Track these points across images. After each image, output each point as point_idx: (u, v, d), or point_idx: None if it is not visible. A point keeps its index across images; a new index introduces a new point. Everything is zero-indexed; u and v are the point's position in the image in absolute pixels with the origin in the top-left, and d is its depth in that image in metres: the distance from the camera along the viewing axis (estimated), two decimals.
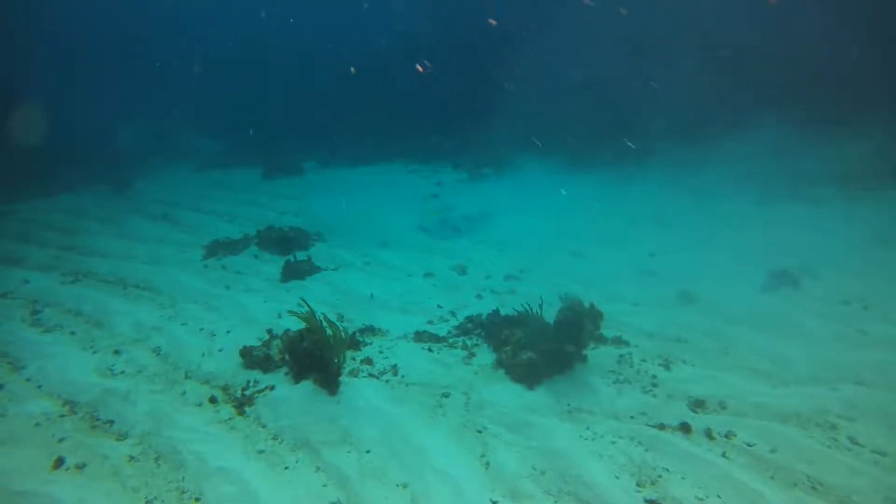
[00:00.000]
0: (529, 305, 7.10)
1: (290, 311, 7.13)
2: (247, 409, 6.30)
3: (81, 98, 23.30)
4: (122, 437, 5.85)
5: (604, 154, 17.65)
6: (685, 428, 5.82)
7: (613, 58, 19.19)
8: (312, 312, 6.55)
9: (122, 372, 7.05)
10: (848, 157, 14.81)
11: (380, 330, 8.01)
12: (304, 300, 7.16)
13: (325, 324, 6.53)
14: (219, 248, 11.67)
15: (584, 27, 18.32)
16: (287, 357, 6.81)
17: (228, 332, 8.09)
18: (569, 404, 6.27)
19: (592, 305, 6.58)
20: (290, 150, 20.78)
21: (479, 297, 9.18)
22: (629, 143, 17.69)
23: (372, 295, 9.26)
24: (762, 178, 14.56)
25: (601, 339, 7.57)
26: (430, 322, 8.30)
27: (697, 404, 6.26)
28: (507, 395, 6.42)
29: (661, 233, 12.39)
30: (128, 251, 11.65)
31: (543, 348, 6.54)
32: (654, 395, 6.47)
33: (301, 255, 10.84)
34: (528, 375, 6.53)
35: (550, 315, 6.96)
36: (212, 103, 26.40)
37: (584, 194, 15.03)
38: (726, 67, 17.06)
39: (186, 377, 6.99)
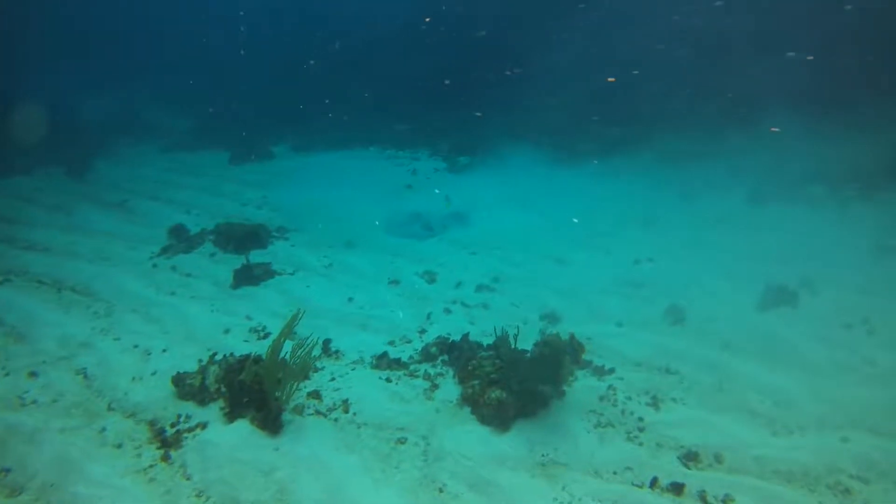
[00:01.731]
0: (503, 330, 6.26)
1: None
2: (173, 453, 5.43)
3: (40, 71, 21.99)
4: (14, 492, 4.96)
5: (587, 144, 16.87)
6: (676, 489, 5.05)
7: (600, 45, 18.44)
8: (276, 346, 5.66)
9: (34, 402, 6.12)
10: (840, 156, 14.09)
11: (334, 352, 7.15)
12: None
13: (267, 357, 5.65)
14: (172, 245, 10.71)
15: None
16: (223, 390, 5.93)
17: (165, 350, 7.18)
18: (543, 454, 5.47)
19: (573, 337, 5.76)
20: (262, 131, 19.71)
21: (447, 311, 8.33)
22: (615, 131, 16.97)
23: (328, 307, 8.40)
24: (752, 175, 13.84)
25: (583, 364, 6.77)
26: (392, 343, 7.44)
27: (690, 457, 5.49)
28: (472, 440, 5.59)
29: (647, 235, 11.61)
30: (72, 246, 10.65)
31: (515, 387, 5.71)
32: (641, 444, 5.69)
33: (258, 256, 9.91)
34: (496, 417, 5.71)
35: (526, 338, 6.15)
36: (184, 80, 25.24)
37: (567, 189, 14.22)
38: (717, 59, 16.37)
39: (109, 409, 6.09)
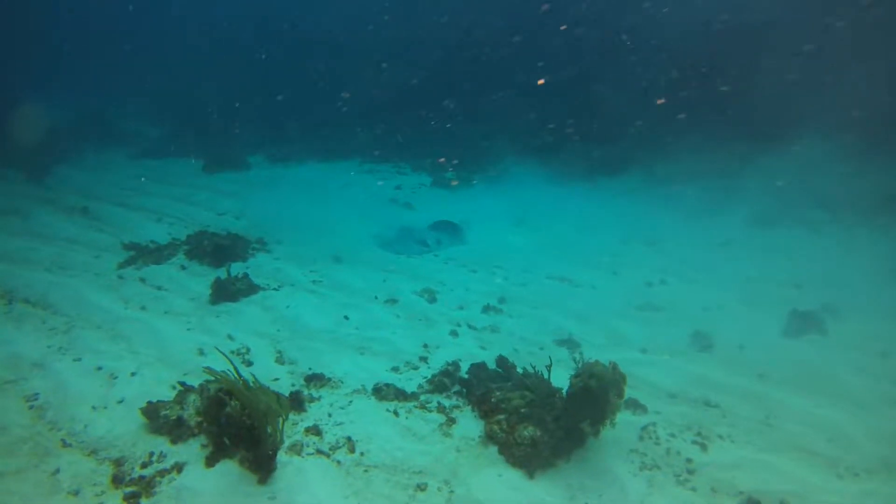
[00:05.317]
0: (534, 367, 5.45)
1: (205, 369, 5.04)
2: (143, 501, 4.47)
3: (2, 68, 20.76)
4: None
5: (579, 161, 16.30)
6: None
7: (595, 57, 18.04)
8: (233, 373, 4.72)
9: None
10: (839, 182, 13.74)
11: (331, 379, 6.23)
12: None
13: (252, 385, 4.74)
14: (140, 255, 9.69)
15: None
16: (205, 424, 5.00)
17: (134, 373, 6.20)
18: (587, 503, 4.65)
19: (615, 367, 4.97)
20: (236, 141, 18.73)
21: (454, 334, 7.50)
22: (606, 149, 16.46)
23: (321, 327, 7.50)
24: (750, 197, 13.43)
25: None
26: (396, 369, 6.56)
27: None
28: (502, 487, 4.75)
29: (654, 256, 11.04)
30: (28, 254, 9.55)
31: (551, 425, 4.90)
32: (694, 490, 4.91)
33: (237, 269, 8.96)
34: (529, 458, 4.88)
35: (542, 364, 5.35)
36: (156, 87, 24.23)
37: (561, 206, 13.58)
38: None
39: (64, 445, 5.09)
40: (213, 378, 4.86)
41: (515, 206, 12.96)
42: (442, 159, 16.63)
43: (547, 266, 10.10)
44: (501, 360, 6.15)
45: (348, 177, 16.78)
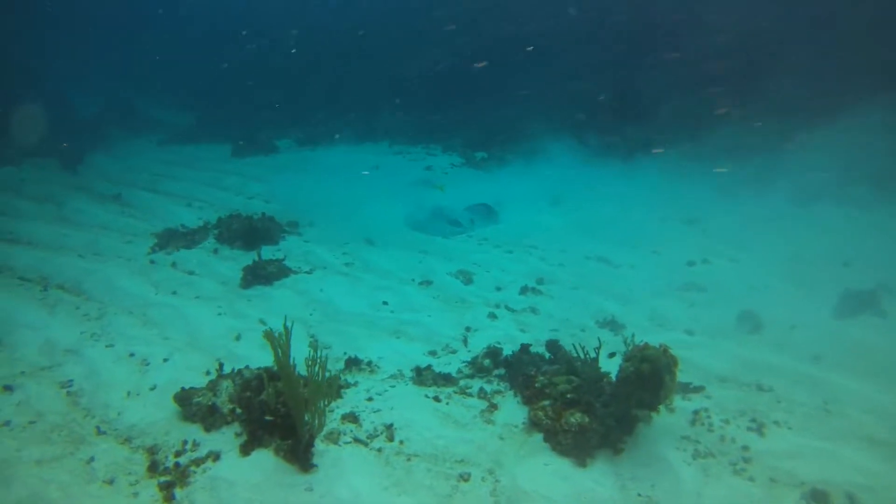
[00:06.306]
0: (583, 347, 5.18)
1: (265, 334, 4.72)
2: (178, 492, 4.33)
3: (36, 61, 20.84)
4: None
5: (613, 139, 15.88)
6: None
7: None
8: (284, 350, 4.50)
9: (7, 423, 5.00)
10: (885, 156, 13.17)
11: (367, 364, 6.05)
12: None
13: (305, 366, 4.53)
14: (171, 239, 9.62)
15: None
16: (238, 411, 4.85)
17: (166, 359, 6.08)
18: (639, 494, 4.40)
19: (666, 350, 4.69)
20: (264, 126, 18.64)
21: (492, 316, 7.26)
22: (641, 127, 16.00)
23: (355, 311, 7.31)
24: (791, 174, 12.92)
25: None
26: (433, 353, 6.36)
27: (818, 497, 4.42)
28: (549, 476, 4.51)
29: (694, 235, 10.68)
30: (61, 240, 9.54)
31: (600, 411, 4.65)
32: (752, 480, 4.62)
33: (269, 252, 8.83)
34: (577, 446, 4.64)
35: (589, 347, 5.09)
36: (184, 74, 24.27)
37: (595, 185, 13.21)
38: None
39: (99, 432, 4.98)
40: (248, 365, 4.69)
41: (550, 185, 12.64)
42: None
43: (584, 246, 9.80)
44: (552, 344, 5.89)
45: (378, 159, 16.56)
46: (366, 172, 13.57)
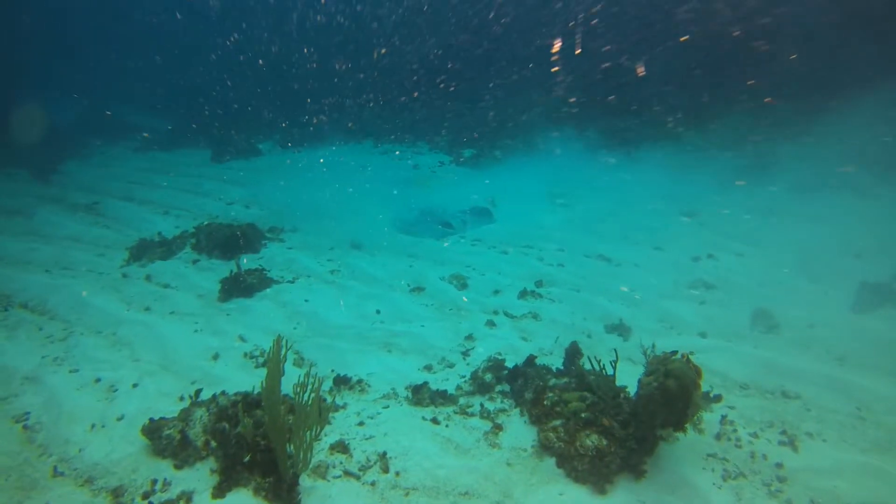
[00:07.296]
0: (599, 361, 4.66)
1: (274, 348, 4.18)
2: None
3: (8, 68, 20.13)
4: None
5: (610, 134, 15.41)
6: None
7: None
8: (273, 372, 3.95)
9: None
10: (883, 142, 12.85)
11: (357, 382, 5.52)
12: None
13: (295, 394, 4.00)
14: (146, 250, 9.03)
15: None
16: (213, 444, 4.31)
17: (136, 384, 5.52)
18: None
19: (688, 359, 4.19)
20: (244, 129, 18.01)
21: (490, 324, 6.74)
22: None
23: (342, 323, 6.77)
24: (788, 163, 12.58)
25: None
26: (429, 367, 5.84)
27: None
28: None
29: (695, 229, 10.27)
30: (28, 254, 8.93)
31: (619, 432, 4.14)
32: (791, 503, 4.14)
33: (250, 261, 8.28)
34: (595, 472, 4.14)
35: (595, 355, 4.58)
36: (161, 80, 23.56)
37: (590, 181, 12.75)
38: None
39: (55, 474, 4.42)
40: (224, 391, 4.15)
41: (545, 181, 12.15)
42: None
43: (583, 244, 9.33)
44: (572, 350, 5.37)
45: (363, 159, 16.02)
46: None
